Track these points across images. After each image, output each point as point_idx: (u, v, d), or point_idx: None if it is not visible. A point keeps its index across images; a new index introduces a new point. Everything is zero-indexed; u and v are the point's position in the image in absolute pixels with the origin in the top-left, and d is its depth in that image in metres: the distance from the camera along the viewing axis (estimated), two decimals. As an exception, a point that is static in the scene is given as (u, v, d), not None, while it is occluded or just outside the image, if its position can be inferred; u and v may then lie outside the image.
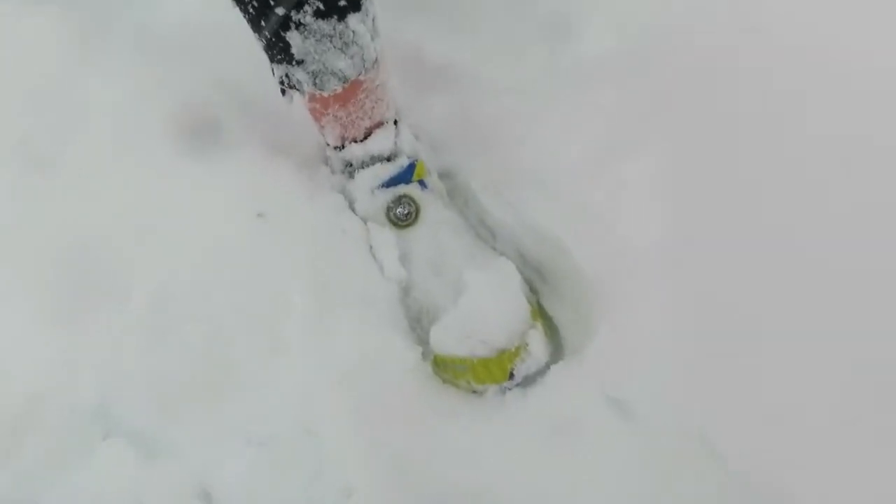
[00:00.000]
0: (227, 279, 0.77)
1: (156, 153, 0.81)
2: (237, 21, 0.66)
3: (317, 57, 0.66)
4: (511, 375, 0.74)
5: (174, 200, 0.79)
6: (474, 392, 0.76)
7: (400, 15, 0.86)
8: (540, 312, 0.78)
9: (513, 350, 0.73)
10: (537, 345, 0.73)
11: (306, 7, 0.62)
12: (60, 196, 0.79)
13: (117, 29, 0.89)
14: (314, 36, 0.64)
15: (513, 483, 0.70)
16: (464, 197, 0.84)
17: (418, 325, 0.79)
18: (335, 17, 0.63)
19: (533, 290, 0.80)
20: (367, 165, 0.79)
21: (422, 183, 0.80)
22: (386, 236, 0.79)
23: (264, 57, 0.70)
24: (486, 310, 0.73)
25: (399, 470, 0.70)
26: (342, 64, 0.67)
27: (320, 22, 0.63)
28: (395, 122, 0.79)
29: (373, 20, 0.67)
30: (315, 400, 0.73)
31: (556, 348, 0.78)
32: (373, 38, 0.68)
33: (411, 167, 0.79)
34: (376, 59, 0.70)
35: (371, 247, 0.79)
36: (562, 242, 0.75)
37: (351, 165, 0.80)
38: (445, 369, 0.76)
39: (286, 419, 0.73)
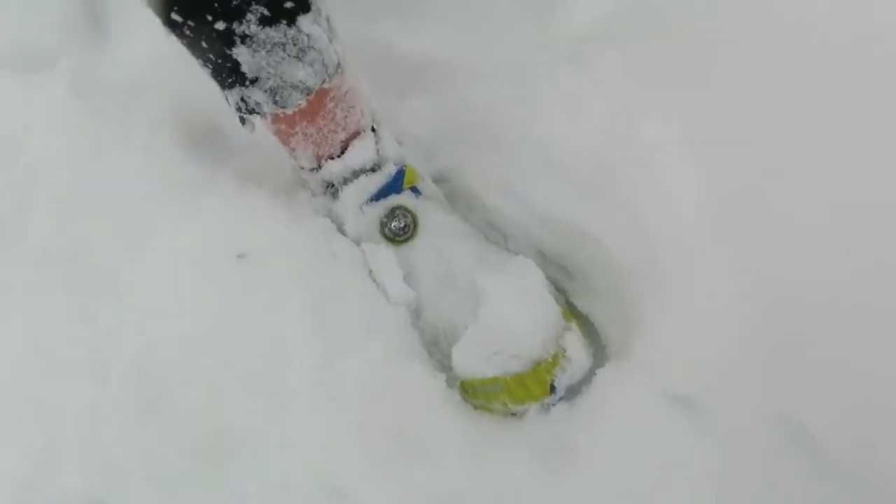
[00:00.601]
0: (214, 334, 0.68)
1: (118, 203, 0.73)
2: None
3: (271, 71, 0.59)
4: (552, 389, 0.64)
5: (142, 255, 0.71)
6: (513, 415, 0.66)
7: (361, 14, 0.78)
8: (572, 313, 0.68)
9: (549, 359, 0.64)
10: (576, 348, 0.64)
11: (249, 16, 0.55)
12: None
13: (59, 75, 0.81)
14: (264, 47, 0.57)
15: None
16: (465, 201, 0.75)
17: (436, 349, 0.70)
18: (284, 21, 0.56)
19: (560, 290, 0.70)
20: (350, 181, 0.70)
21: (415, 190, 0.72)
22: (384, 256, 0.70)
23: (215, 85, 0.63)
24: (511, 318, 0.63)
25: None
26: (302, 74, 0.60)
27: (268, 30, 0.56)
28: (374, 129, 0.71)
29: (327, 20, 0.61)
30: (336, 455, 0.65)
31: (599, 351, 0.68)
32: (331, 40, 0.61)
33: (400, 174, 0.71)
34: (339, 63, 0.63)
35: (370, 270, 0.70)
36: (585, 229, 0.66)
37: (332, 186, 0.71)
38: (475, 394, 0.66)
39: (306, 483, 0.64)
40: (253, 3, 0.54)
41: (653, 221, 0.63)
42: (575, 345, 0.64)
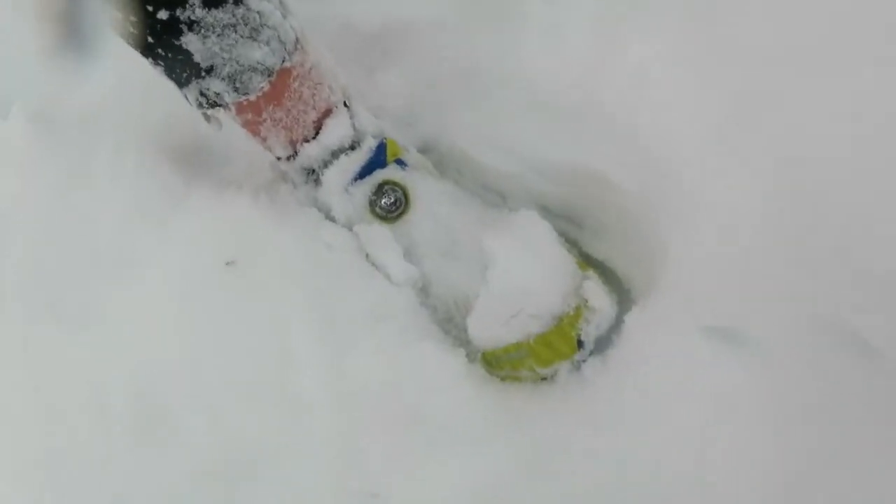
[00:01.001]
0: (213, 350, 0.64)
1: (93, 234, 0.69)
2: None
3: (226, 56, 0.55)
4: (580, 344, 0.60)
5: (126, 281, 0.67)
6: (543, 379, 0.62)
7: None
8: (588, 262, 0.64)
9: (572, 312, 0.59)
10: (599, 296, 0.60)
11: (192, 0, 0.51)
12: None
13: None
14: (213, 31, 0.53)
15: (643, 472, 0.56)
16: (455, 167, 0.70)
17: (451, 324, 0.65)
18: (230, 0, 0.53)
19: (571, 242, 0.65)
20: (330, 164, 0.66)
21: (400, 162, 0.67)
22: (380, 235, 0.65)
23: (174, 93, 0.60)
24: (523, 276, 0.59)
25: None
26: (258, 54, 0.56)
27: (214, 12, 0.52)
28: (346, 105, 0.67)
29: None
30: (360, 457, 0.60)
31: (623, 297, 0.63)
32: (285, 16, 0.57)
33: (381, 147, 0.67)
34: (297, 39, 0.59)
35: (367, 254, 0.65)
36: (586, 168, 0.62)
37: (313, 171, 0.67)
38: (500, 364, 0.62)
39: (334, 492, 0.60)
40: None
41: (655, 146, 0.59)
42: (597, 293, 0.60)
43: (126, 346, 0.64)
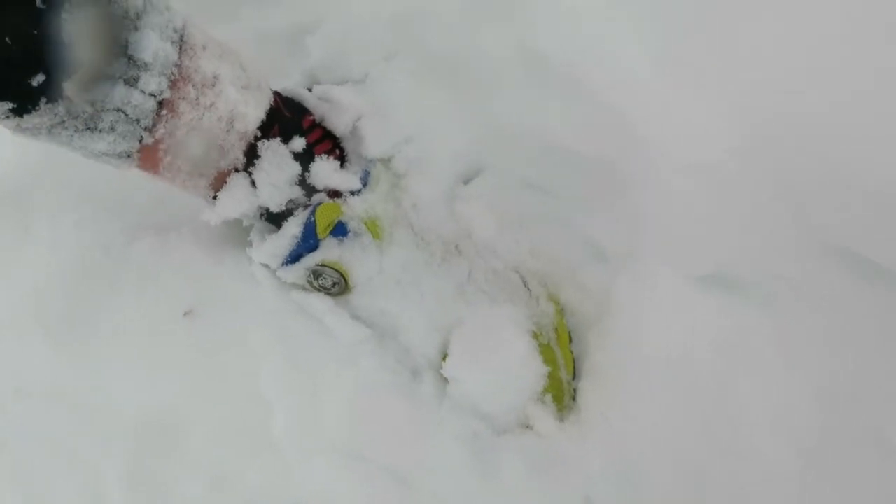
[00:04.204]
0: (191, 407, 0.60)
1: (40, 310, 0.65)
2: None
3: (73, 146, 0.48)
4: None
5: (87, 343, 0.63)
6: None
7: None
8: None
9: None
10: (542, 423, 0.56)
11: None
12: None
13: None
14: (41, 133, 0.45)
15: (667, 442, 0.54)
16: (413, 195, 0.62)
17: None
18: (42, 101, 0.42)
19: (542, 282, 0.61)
20: (253, 242, 0.60)
21: (337, 231, 0.59)
22: (320, 306, 0.60)
23: None
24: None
25: None
26: (102, 145, 0.47)
27: (29, 118, 0.43)
28: (249, 165, 0.55)
29: (127, 57, 0.44)
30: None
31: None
32: (135, 81, 0.45)
33: (309, 228, 0.57)
34: (160, 103, 0.47)
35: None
36: (548, 136, 0.56)
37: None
38: None
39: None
40: None
41: (608, 102, 0.54)
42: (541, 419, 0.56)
43: (108, 423, 0.61)
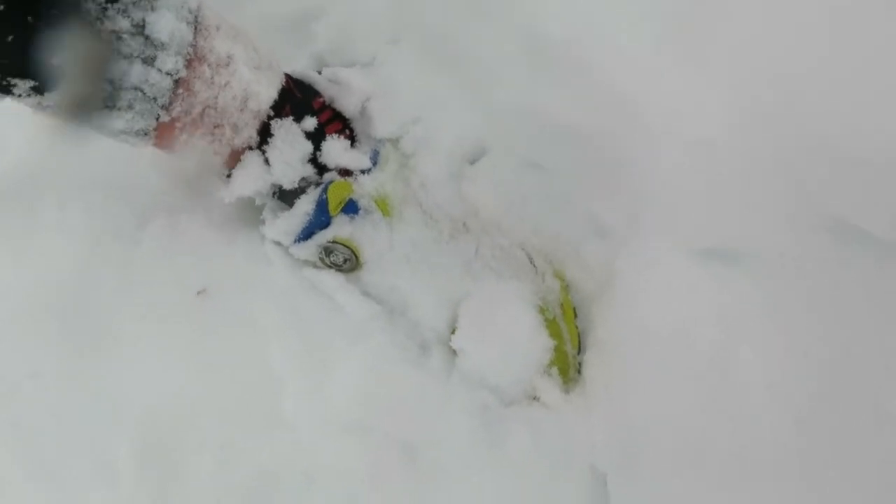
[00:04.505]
0: (203, 384, 0.62)
1: (54, 296, 0.65)
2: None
3: (92, 125, 0.49)
4: None
5: (100, 326, 0.64)
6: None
7: None
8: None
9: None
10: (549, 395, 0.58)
11: (15, 91, 0.44)
12: None
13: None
14: (62, 112, 0.47)
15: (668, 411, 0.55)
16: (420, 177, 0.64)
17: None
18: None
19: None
20: (265, 220, 0.61)
21: (349, 208, 0.60)
22: (331, 282, 0.61)
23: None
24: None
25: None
26: (120, 123, 0.48)
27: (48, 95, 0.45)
28: (262, 144, 0.56)
29: (143, 36, 0.46)
30: (357, 483, 0.59)
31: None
32: (151, 60, 0.47)
33: (322, 205, 0.59)
34: (177, 81, 0.49)
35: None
36: (548, 113, 0.58)
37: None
38: None
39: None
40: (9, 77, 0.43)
41: (607, 77, 0.55)
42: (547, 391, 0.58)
43: (118, 401, 0.62)
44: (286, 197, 0.60)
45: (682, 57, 0.53)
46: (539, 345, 0.58)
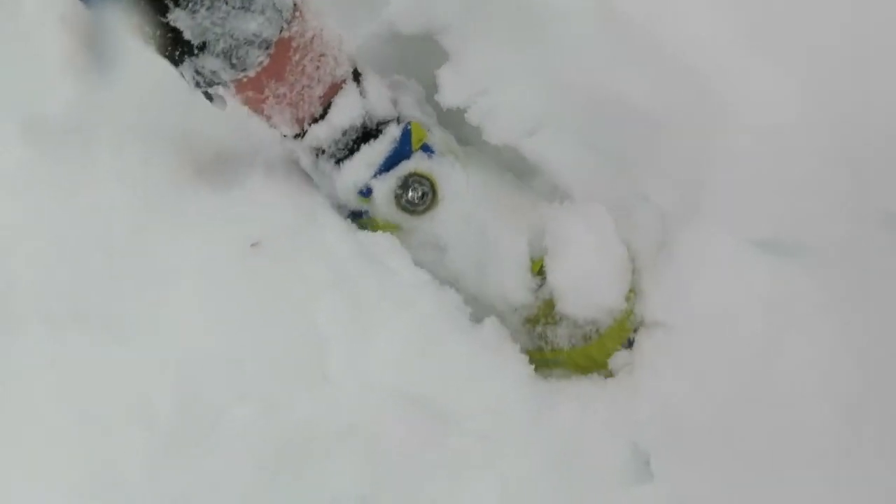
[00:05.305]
0: (250, 338, 0.62)
1: (106, 241, 0.66)
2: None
3: (218, 31, 0.51)
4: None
5: (150, 275, 0.64)
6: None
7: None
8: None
9: (615, 326, 0.61)
10: None
11: None
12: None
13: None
14: (202, 4, 0.49)
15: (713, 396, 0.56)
16: (478, 143, 0.67)
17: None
18: None
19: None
20: (344, 148, 0.62)
21: (426, 149, 0.62)
22: (385, 243, 0.62)
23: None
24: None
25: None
26: (254, 25, 0.52)
27: None
28: (357, 77, 0.62)
29: None
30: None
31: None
32: None
33: (406, 135, 0.62)
34: (295, 5, 0.55)
35: None
36: (610, 91, 0.58)
37: (323, 152, 0.63)
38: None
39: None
40: None
41: (677, 57, 0.56)
42: None
43: (160, 347, 0.62)
44: (365, 137, 0.63)
45: (760, 43, 0.53)
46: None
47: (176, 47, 0.52)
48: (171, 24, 0.50)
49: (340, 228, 0.63)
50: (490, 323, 0.60)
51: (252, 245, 0.62)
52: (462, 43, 0.62)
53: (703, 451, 0.56)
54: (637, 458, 0.57)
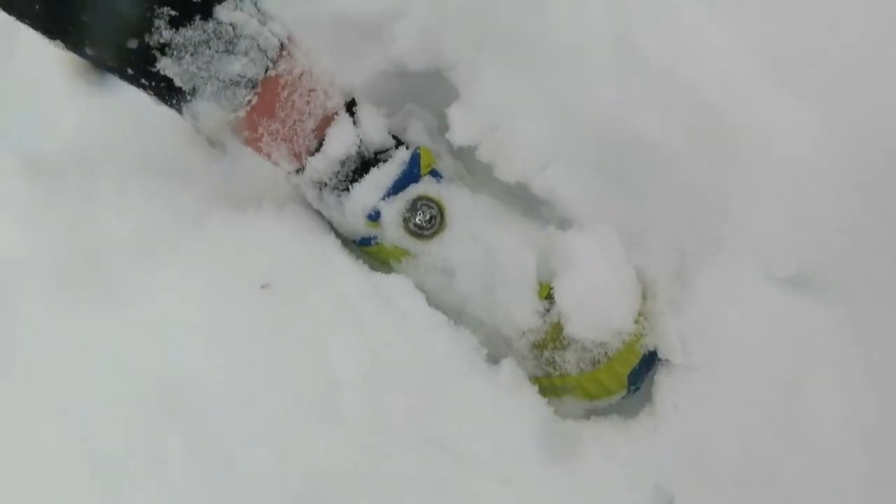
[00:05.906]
0: (258, 378, 0.60)
1: (107, 277, 0.64)
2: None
3: (205, 74, 0.53)
4: (631, 380, 0.61)
5: (152, 311, 0.63)
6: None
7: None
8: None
9: (623, 349, 0.60)
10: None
11: (156, 22, 0.49)
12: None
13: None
14: (187, 51, 0.51)
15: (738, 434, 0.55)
16: (488, 173, 0.66)
17: (489, 343, 0.63)
18: (197, 17, 0.50)
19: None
20: (345, 179, 0.62)
21: (434, 174, 0.63)
22: (399, 285, 0.62)
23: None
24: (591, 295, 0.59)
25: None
26: (238, 66, 0.53)
27: (183, 31, 0.50)
28: (351, 108, 0.62)
29: (253, 2, 0.54)
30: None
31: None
32: (263, 22, 0.54)
33: (415, 159, 0.62)
34: (281, 45, 0.56)
35: None
36: (628, 124, 0.57)
37: (325, 185, 0.63)
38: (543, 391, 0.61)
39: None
40: (155, 6, 0.48)
41: (697, 90, 0.55)
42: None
43: (170, 385, 0.60)
44: (359, 171, 0.62)
45: (783, 78, 0.53)
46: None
47: (171, 94, 0.54)
48: (161, 72, 0.51)
49: (353, 269, 0.62)
50: (507, 364, 0.59)
51: (262, 287, 0.61)
52: (472, 79, 0.62)
53: (727, 491, 0.55)
54: (660, 498, 0.56)
